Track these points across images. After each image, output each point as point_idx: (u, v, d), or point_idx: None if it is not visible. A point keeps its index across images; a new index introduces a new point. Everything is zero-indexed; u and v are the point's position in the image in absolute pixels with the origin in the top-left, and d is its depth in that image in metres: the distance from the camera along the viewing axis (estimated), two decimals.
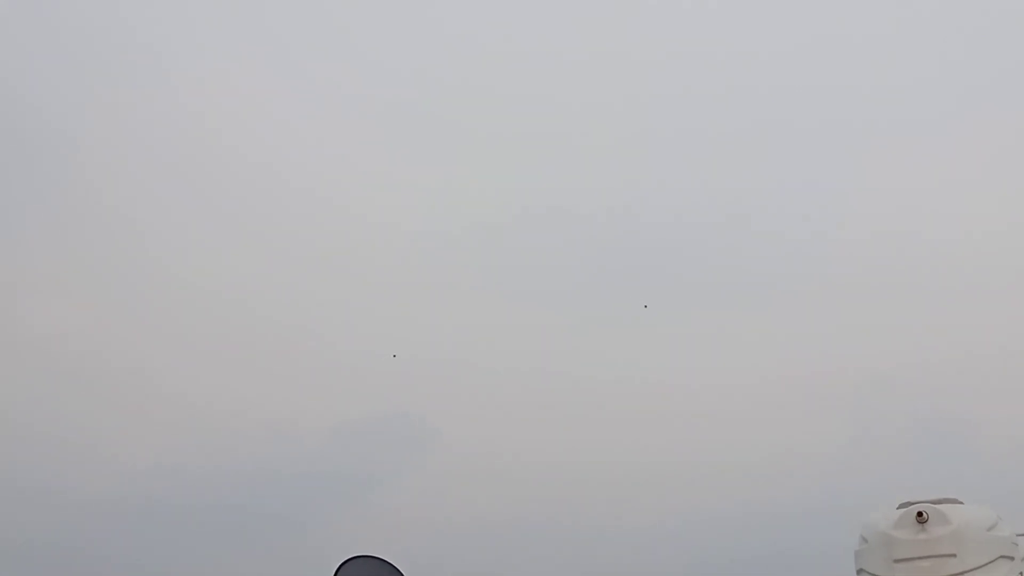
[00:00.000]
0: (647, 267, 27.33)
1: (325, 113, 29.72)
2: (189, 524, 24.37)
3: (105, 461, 25.47)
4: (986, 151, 27.45)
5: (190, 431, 26.09)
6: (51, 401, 26.28)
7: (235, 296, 27.80)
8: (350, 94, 29.69)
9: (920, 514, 10.54)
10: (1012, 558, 10.63)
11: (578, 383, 25.08)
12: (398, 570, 10.63)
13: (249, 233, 28.63)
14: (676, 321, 26.40)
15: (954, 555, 10.35)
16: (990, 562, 10.42)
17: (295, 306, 27.67)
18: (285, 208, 28.79)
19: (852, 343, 25.53)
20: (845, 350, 25.34)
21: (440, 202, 28.76)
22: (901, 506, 10.85)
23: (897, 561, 10.49)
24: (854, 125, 28.09)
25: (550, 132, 28.85)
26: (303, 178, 29.12)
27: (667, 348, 26.15)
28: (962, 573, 10.26)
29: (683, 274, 27.06)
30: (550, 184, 28.41)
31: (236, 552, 23.80)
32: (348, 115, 29.60)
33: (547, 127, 28.95)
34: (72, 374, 26.91)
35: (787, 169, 27.97)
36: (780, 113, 28.59)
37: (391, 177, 28.62)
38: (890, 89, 28.49)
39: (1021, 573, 10.64)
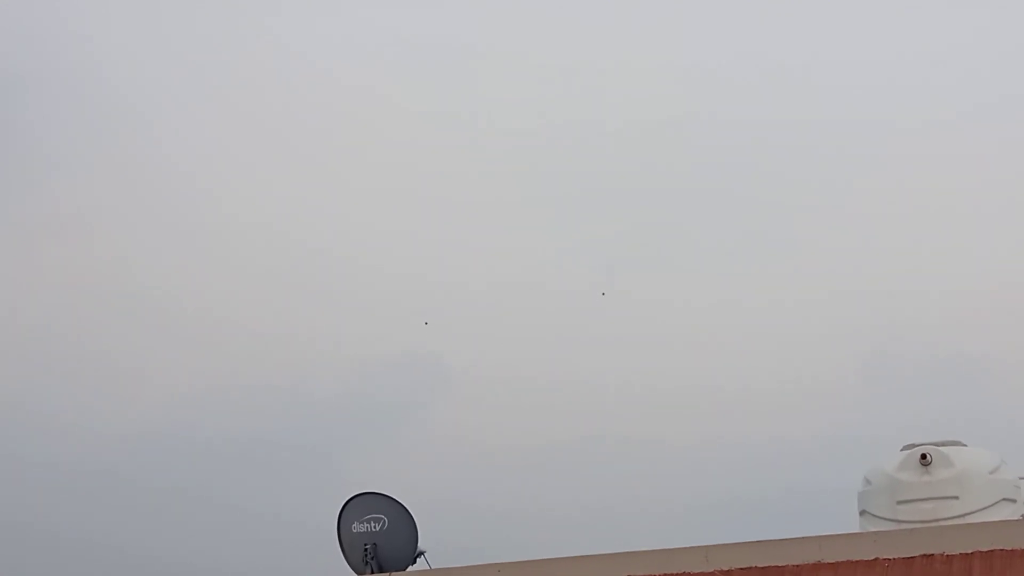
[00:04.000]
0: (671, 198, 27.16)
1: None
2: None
3: (71, 431, 25.60)
4: None
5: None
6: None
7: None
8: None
9: (924, 456, 10.58)
10: (1014, 501, 10.68)
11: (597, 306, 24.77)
12: (403, 506, 10.78)
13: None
14: (696, 249, 26.43)
15: (956, 497, 10.40)
16: (992, 504, 10.46)
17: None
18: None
19: (866, 279, 25.42)
20: (860, 286, 25.23)
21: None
22: (905, 448, 10.89)
23: (900, 503, 10.54)
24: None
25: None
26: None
27: (688, 275, 26.10)
28: (964, 515, 10.31)
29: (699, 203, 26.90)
30: None
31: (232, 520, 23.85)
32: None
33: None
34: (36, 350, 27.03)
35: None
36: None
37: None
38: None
39: (1023, 516, 10.70)
